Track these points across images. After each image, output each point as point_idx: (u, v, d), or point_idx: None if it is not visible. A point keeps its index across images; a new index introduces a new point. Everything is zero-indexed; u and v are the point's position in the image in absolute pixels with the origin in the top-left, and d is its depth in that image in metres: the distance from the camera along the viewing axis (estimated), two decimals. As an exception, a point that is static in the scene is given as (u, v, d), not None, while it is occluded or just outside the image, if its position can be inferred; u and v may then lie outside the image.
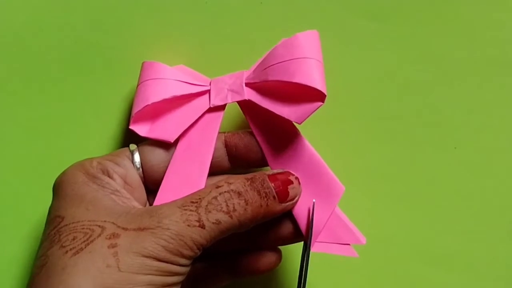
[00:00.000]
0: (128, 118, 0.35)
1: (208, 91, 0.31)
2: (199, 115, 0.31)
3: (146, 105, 0.30)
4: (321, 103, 0.28)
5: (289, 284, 0.36)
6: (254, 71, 0.31)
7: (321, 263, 0.35)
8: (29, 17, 0.36)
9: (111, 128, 0.36)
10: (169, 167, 0.30)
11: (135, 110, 0.30)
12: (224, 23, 0.36)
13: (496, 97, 0.35)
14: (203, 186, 0.30)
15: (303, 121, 0.28)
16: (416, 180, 0.35)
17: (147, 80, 0.31)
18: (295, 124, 0.30)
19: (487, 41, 0.35)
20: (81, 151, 0.35)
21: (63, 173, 0.29)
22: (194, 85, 0.31)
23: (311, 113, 0.28)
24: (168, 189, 0.30)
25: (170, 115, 0.31)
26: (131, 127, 0.31)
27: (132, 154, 0.30)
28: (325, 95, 0.28)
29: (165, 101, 0.30)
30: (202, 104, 0.31)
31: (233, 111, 0.34)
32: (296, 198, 0.30)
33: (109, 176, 0.29)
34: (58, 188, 0.28)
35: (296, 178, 0.30)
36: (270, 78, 0.29)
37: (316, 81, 0.28)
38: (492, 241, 0.35)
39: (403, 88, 0.35)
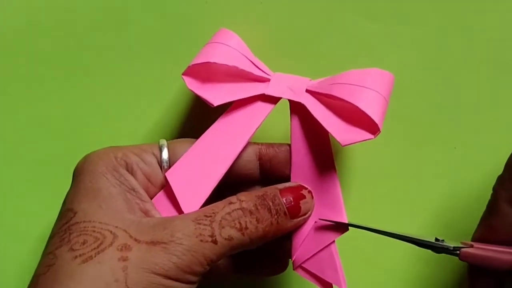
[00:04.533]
0: (131, 117, 0.35)
1: (268, 80, 0.31)
2: (251, 95, 0.30)
3: (207, 62, 0.30)
4: (372, 136, 0.28)
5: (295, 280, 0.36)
6: (319, 82, 0.30)
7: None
8: (29, 17, 0.36)
9: (111, 128, 0.36)
10: (200, 139, 0.30)
11: (194, 62, 0.30)
12: (223, 22, 0.36)
13: (496, 97, 0.35)
14: (226, 168, 0.29)
15: (347, 145, 0.28)
16: (416, 180, 0.35)
17: (217, 42, 0.31)
18: (333, 145, 0.30)
19: (487, 41, 0.35)
20: (81, 151, 0.35)
21: (85, 159, 0.28)
22: (258, 69, 0.31)
23: (358, 141, 0.28)
24: (189, 162, 0.29)
25: (223, 84, 0.31)
26: (183, 75, 0.30)
27: (161, 150, 0.29)
28: (379, 131, 0.28)
29: (225, 67, 0.30)
30: (257, 89, 0.31)
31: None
32: (309, 213, 0.29)
33: (132, 172, 0.28)
34: (77, 175, 0.28)
35: (309, 191, 0.29)
36: (334, 93, 0.29)
37: (377, 114, 0.28)
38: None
39: (403, 88, 0.35)
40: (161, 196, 0.29)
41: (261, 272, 0.32)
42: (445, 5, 0.35)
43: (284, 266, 0.32)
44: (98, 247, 0.25)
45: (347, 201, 0.31)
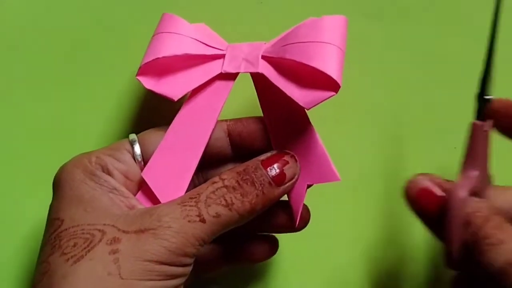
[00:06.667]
0: (131, 108, 0.35)
1: (223, 56, 0.30)
2: (209, 78, 0.30)
3: (156, 58, 0.29)
4: (334, 93, 0.27)
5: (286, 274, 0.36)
6: (273, 45, 0.29)
7: (319, 263, 0.35)
8: (29, 17, 0.36)
9: (111, 128, 0.36)
10: (168, 131, 0.30)
11: (144, 61, 0.29)
12: (223, 22, 0.36)
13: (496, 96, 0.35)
14: (199, 155, 0.29)
15: (311, 107, 0.27)
16: (416, 180, 0.35)
17: (162, 32, 0.30)
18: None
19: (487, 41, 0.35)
20: (81, 151, 0.35)
21: (61, 170, 0.29)
22: (210, 47, 0.30)
23: (321, 101, 0.27)
24: (163, 157, 0.29)
25: (179, 74, 0.30)
26: (137, 77, 0.30)
27: (132, 146, 0.30)
28: (340, 86, 0.27)
29: (176, 57, 0.29)
30: (214, 68, 0.30)
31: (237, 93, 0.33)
32: (296, 176, 0.29)
33: (108, 173, 0.28)
34: (57, 186, 0.28)
35: (292, 156, 0.29)
36: (288, 56, 0.28)
37: (333, 69, 0.27)
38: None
39: (403, 88, 0.35)
40: (141, 195, 0.29)
41: (252, 258, 0.32)
42: (445, 5, 0.35)
43: (274, 249, 0.32)
44: (88, 246, 0.25)
45: (346, 201, 0.31)
